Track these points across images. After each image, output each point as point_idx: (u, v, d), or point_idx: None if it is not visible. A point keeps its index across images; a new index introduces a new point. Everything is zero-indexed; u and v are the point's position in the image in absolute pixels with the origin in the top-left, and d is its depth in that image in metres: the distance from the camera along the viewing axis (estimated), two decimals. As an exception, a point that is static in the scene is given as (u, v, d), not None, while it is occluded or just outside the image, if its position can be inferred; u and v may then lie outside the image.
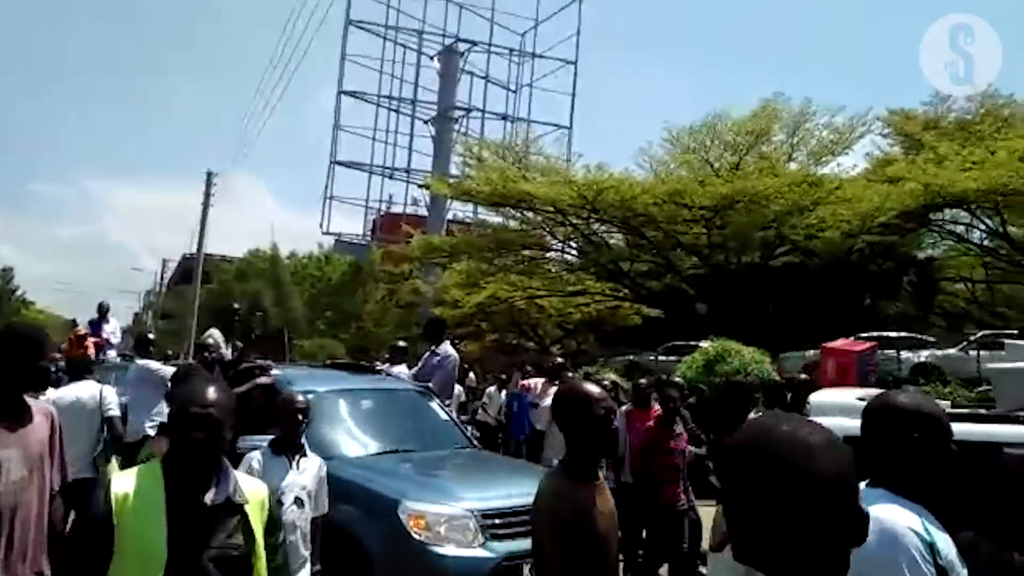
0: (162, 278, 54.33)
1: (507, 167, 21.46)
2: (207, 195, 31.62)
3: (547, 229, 22.95)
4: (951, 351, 16.99)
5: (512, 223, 24.07)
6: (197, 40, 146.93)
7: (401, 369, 8.04)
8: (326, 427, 5.67)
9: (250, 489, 2.28)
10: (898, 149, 21.66)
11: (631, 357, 21.47)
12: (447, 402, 7.47)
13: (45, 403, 3.05)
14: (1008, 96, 19.39)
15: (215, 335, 7.20)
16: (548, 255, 25.43)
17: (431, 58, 34.65)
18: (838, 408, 4.53)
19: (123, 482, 2.17)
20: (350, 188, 70.38)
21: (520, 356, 28.47)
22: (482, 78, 35.79)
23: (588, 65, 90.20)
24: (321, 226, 35.78)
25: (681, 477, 6.53)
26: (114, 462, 6.08)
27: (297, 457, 4.01)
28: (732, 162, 19.61)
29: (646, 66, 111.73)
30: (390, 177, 36.27)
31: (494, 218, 25.65)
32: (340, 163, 35.10)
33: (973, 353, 16.35)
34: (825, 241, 18.53)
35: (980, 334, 17.21)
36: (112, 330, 12.88)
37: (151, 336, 7.99)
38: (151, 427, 6.19)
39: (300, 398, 4.10)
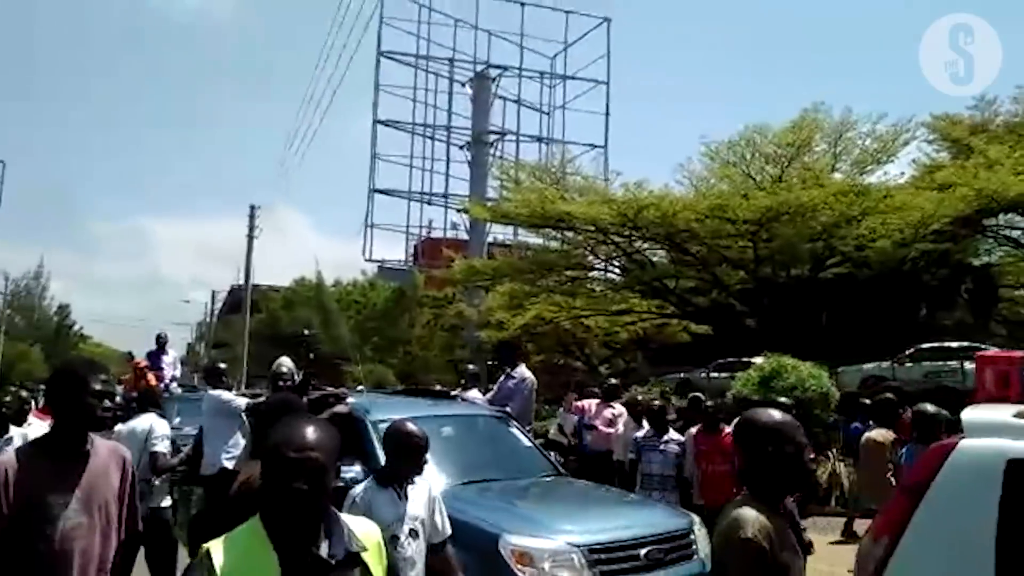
0: (212, 309, 55.50)
1: (545, 188, 21.38)
2: (251, 228, 32.30)
3: (589, 248, 22.78)
4: (1015, 361, 16.32)
5: (553, 243, 23.95)
6: (235, 77, 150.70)
7: (474, 394, 7.87)
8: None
9: (364, 533, 2.04)
10: (945, 155, 21.04)
11: (682, 375, 21.11)
12: (526, 427, 7.20)
13: (118, 444, 2.86)
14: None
15: (286, 363, 7.00)
16: (591, 274, 25.21)
17: (463, 84, 34.97)
18: (995, 428, 4.07)
19: (225, 551, 1.86)
20: (390, 215, 71.17)
21: (567, 376, 28.31)
22: (514, 102, 36.00)
23: (620, 84, 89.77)
24: (364, 253, 36.19)
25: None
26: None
27: (404, 487, 3.70)
28: (774, 174, 19.21)
29: (679, 82, 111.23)
30: (428, 203, 36.56)
31: (535, 239, 25.59)
32: (379, 191, 35.50)
33: (1038, 363, 15.69)
34: (877, 251, 18.01)
35: (1046, 342, 16.51)
36: (171, 361, 12.90)
37: (222, 366, 7.84)
38: (228, 459, 6.10)
39: (420, 432, 3.77)
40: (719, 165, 20.68)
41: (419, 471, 3.70)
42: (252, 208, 33.08)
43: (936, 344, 17.48)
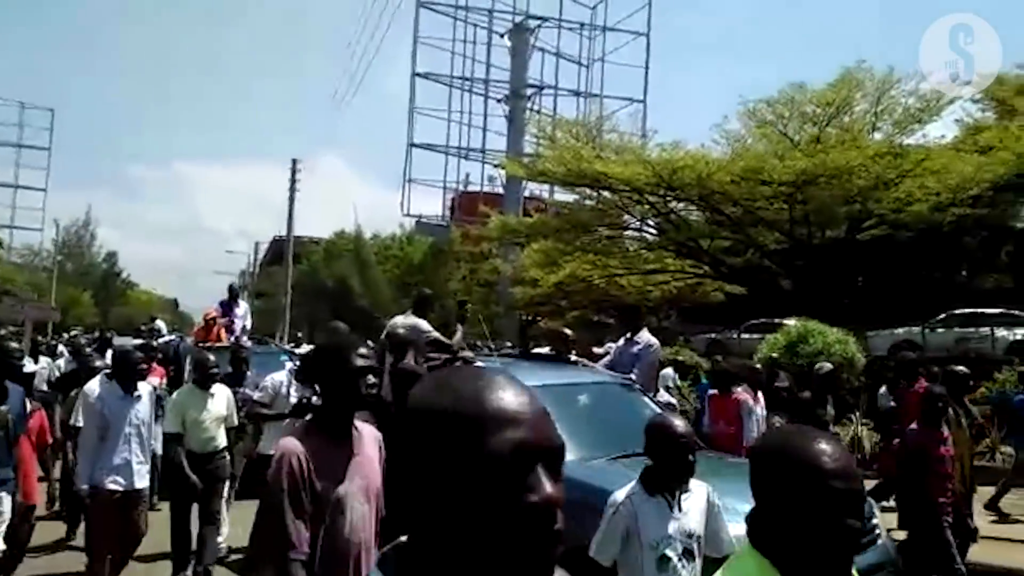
0: (255, 259, 56.57)
1: (581, 146, 21.38)
2: (292, 181, 32.84)
3: (623, 208, 22.82)
4: (1049, 327, 16.21)
5: (588, 202, 24.02)
6: (278, 29, 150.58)
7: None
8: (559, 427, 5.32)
9: None
10: (991, 115, 20.55)
11: (713, 335, 21.26)
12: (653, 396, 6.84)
13: (372, 427, 2.63)
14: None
15: (422, 325, 6.34)
16: (626, 233, 25.28)
17: (501, 36, 34.63)
18: None
19: None
20: (428, 169, 71.56)
21: (602, 334, 28.59)
22: (553, 54, 35.61)
23: (662, 38, 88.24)
24: (401, 207, 36.53)
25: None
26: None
27: (677, 495, 3.02)
28: (812, 135, 18.97)
29: (721, 36, 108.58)
30: (465, 158, 36.63)
31: (570, 197, 25.66)
32: (417, 145, 35.59)
33: (1075, 330, 15.59)
34: (913, 215, 17.81)
35: (1083, 310, 16.34)
36: (242, 313, 12.28)
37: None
38: None
39: (685, 429, 3.08)
40: (756, 124, 20.45)
41: (691, 474, 3.06)
42: (294, 162, 33.60)
43: (969, 310, 17.40)
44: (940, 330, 17.33)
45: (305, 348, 18.86)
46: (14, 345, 4.88)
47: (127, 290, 63.70)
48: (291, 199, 33.59)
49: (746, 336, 19.06)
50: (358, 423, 2.51)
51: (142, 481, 5.40)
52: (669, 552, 2.90)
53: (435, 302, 38.54)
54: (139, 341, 12.63)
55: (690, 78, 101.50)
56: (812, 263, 20.30)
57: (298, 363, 6.60)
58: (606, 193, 22.14)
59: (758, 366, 8.33)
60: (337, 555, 2.32)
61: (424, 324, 6.48)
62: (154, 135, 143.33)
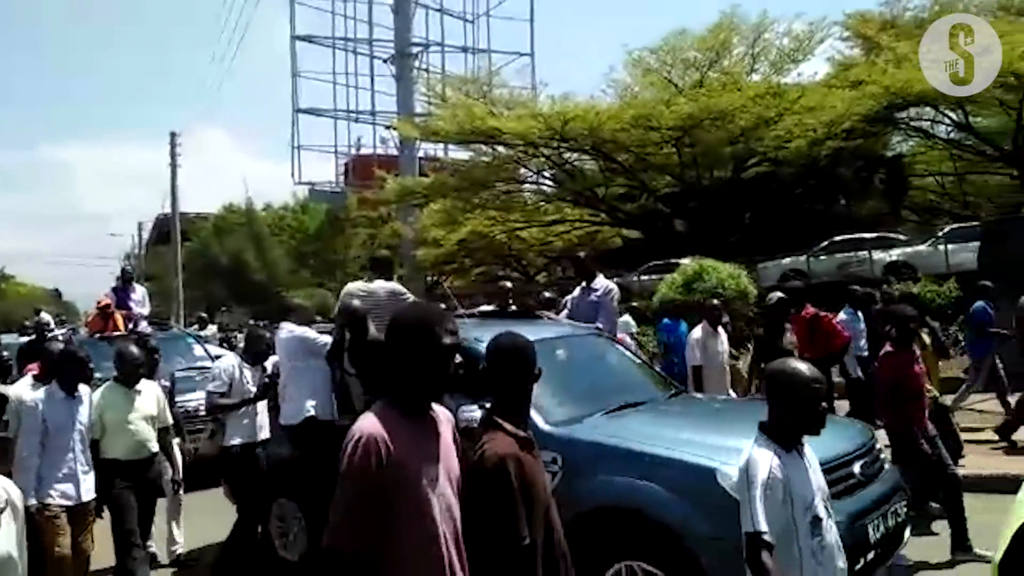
0: (140, 240, 54.04)
1: (472, 103, 21.37)
2: (173, 156, 31.46)
3: (519, 161, 23.01)
4: (921, 247, 17.47)
5: (484, 159, 24.08)
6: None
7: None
8: (543, 386, 4.68)
9: None
10: (858, 52, 21.68)
11: (614, 280, 21.86)
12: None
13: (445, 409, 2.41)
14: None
15: (394, 287, 5.95)
16: (523, 187, 25.54)
17: (382, -6, 33.85)
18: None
19: None
20: (318, 135, 69.46)
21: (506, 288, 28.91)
22: (437, 10, 35.06)
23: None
24: (292, 176, 35.55)
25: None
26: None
27: (803, 448, 2.73)
28: (696, 80, 19.60)
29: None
30: (355, 120, 35.82)
31: (465, 154, 25.63)
32: (303, 111, 34.57)
33: (942, 248, 16.85)
34: (792, 151, 18.75)
35: (948, 228, 17.65)
36: (139, 298, 11.44)
37: (300, 302, 6.76)
38: (314, 407, 5.49)
39: (812, 370, 2.68)
40: (642, 73, 20.94)
41: (824, 424, 2.69)
42: (173, 135, 32.07)
43: (849, 236, 18.52)
44: (823, 257, 18.42)
45: (211, 329, 18.12)
46: None
47: (3, 283, 59.89)
48: (173, 175, 32.18)
49: (645, 278, 19.69)
50: (435, 406, 2.29)
51: (89, 493, 4.92)
52: (820, 512, 2.60)
53: (336, 270, 38.06)
54: (26, 338, 11.87)
55: (576, 30, 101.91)
56: (702, 204, 21.09)
57: (243, 342, 6.33)
58: (501, 148, 22.27)
59: (715, 303, 8.37)
60: (423, 548, 2.10)
61: (397, 286, 6.01)
62: (17, 117, 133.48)
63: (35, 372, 5.55)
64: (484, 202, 23.38)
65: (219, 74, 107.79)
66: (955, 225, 18.06)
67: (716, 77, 19.35)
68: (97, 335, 10.08)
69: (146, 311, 11.55)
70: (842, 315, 8.80)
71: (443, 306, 7.83)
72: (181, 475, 6.03)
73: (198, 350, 10.85)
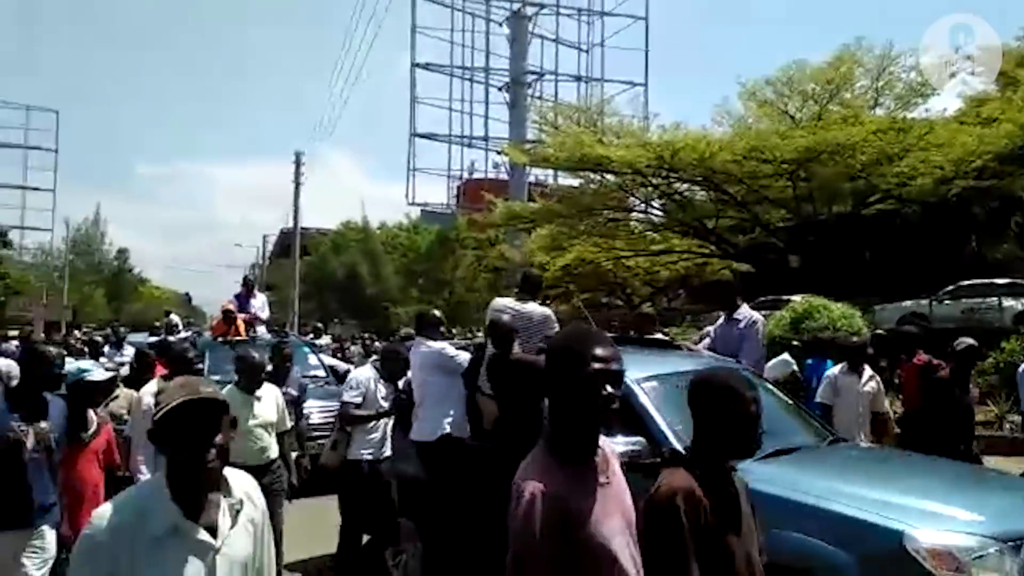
0: (263, 252, 56.82)
1: (582, 131, 21.42)
2: (297, 174, 33.01)
3: (627, 190, 22.88)
4: (1055, 297, 16.18)
5: (591, 186, 24.08)
6: (275, 24, 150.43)
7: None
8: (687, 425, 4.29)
9: None
10: (993, 87, 20.45)
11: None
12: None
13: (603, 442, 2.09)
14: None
15: (544, 311, 5.62)
16: (630, 215, 25.35)
17: (500, 24, 34.56)
18: None
19: None
20: (432, 158, 71.41)
21: (611, 315, 28.71)
22: (552, 40, 35.49)
23: (659, 20, 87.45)
24: (406, 197, 36.56)
25: None
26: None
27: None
28: (814, 112, 18.96)
29: (719, 18, 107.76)
30: (469, 145, 36.62)
31: (574, 181, 25.70)
32: (419, 135, 35.58)
33: (1080, 298, 15.55)
34: (917, 189, 17.80)
35: (1088, 278, 16.30)
36: (260, 304, 11.67)
37: (438, 314, 6.61)
38: (450, 424, 5.34)
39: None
40: (757, 104, 20.46)
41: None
42: (297, 155, 33.75)
43: (977, 281, 17.37)
44: (948, 302, 17.31)
45: (325, 339, 18.43)
46: (53, 350, 4.08)
47: (139, 286, 64.10)
48: (296, 191, 33.78)
49: (642, 310, 19.06)
50: (602, 440, 1.99)
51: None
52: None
53: (443, 288, 38.88)
54: (154, 338, 12.26)
55: (692, 62, 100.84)
56: (819, 239, 20.31)
57: (379, 358, 6.03)
58: (609, 176, 22.21)
59: (855, 339, 7.73)
60: None
61: (550, 312, 5.77)
62: (158, 134, 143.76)
63: (164, 373, 5.51)
64: (590, 229, 23.34)
65: (343, 100, 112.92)
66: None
67: (836, 110, 18.66)
68: (220, 338, 10.28)
69: (265, 316, 11.80)
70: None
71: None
72: (297, 482, 5.85)
73: (312, 359, 10.89)
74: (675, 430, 4.17)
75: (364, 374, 5.79)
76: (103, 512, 1.86)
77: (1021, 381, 7.78)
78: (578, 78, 35.35)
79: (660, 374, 4.72)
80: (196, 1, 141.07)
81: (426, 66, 35.15)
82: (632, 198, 23.72)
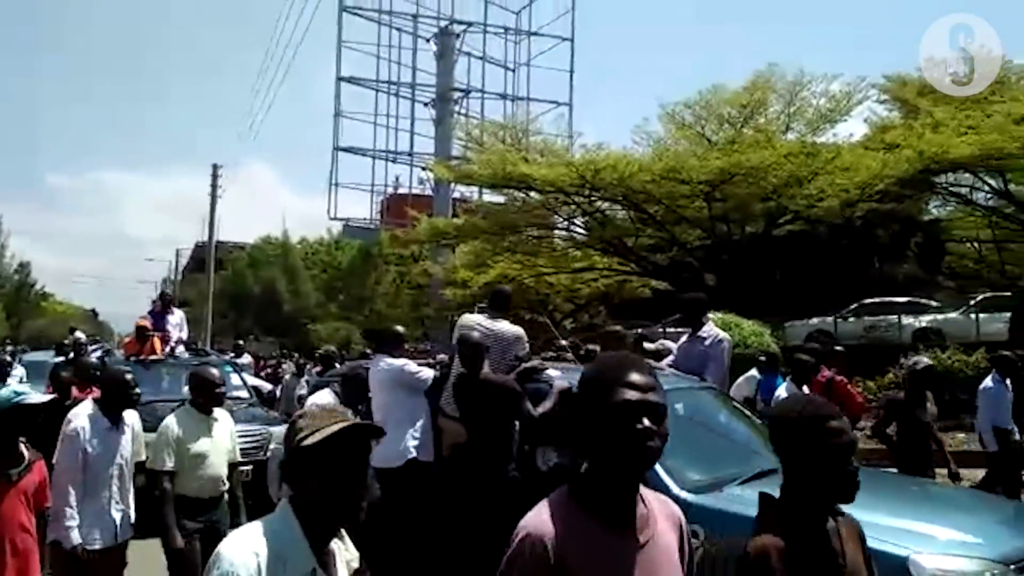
0: (176, 266, 55.06)
1: (507, 150, 21.60)
2: (214, 187, 32.18)
3: (550, 208, 23.15)
4: (952, 315, 17.12)
5: (516, 203, 24.26)
6: (197, 31, 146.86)
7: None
8: (670, 447, 3.37)
9: None
10: (896, 115, 21.60)
11: (639, 331, 21.70)
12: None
13: (667, 499, 1.84)
14: (1003, 59, 19.27)
15: (516, 331, 5.41)
16: (554, 232, 25.64)
17: (427, 40, 34.62)
18: None
19: None
20: (356, 173, 70.70)
21: (534, 332, 28.88)
22: (479, 58, 35.68)
23: (584, 42, 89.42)
24: (328, 212, 36.05)
25: None
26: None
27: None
28: (729, 135, 19.64)
29: (641, 41, 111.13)
30: (393, 161, 36.37)
31: (498, 198, 25.85)
32: (343, 149, 35.15)
33: (974, 317, 16.49)
34: (825, 210, 18.61)
35: (980, 297, 17.30)
36: (177, 322, 11.16)
37: (400, 329, 6.19)
38: (416, 447, 5.07)
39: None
40: (676, 126, 21.05)
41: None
42: (215, 167, 32.87)
43: (879, 299, 18.22)
44: (851, 319, 18.11)
45: (247, 358, 17.67)
46: None
47: (41, 302, 61.15)
48: (212, 204, 32.87)
49: (671, 330, 19.50)
50: (647, 492, 1.67)
51: (125, 534, 4.42)
52: None
53: (364, 305, 38.32)
54: (60, 357, 11.52)
55: (615, 82, 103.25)
56: (732, 258, 20.96)
57: (341, 383, 5.51)
58: (533, 194, 22.42)
59: (803, 357, 7.29)
60: None
61: (522, 332, 5.55)
62: (71, 144, 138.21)
63: (96, 396, 4.98)
64: (513, 246, 23.49)
65: (264, 110, 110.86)
66: (988, 294, 17.71)
67: (750, 134, 19.36)
68: (132, 357, 9.79)
69: (183, 335, 11.33)
70: (988, 382, 7.96)
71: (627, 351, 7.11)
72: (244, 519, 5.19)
73: (236, 379, 10.31)
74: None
75: (322, 399, 5.28)
76: (242, 549, 1.62)
77: (982, 396, 8.07)
78: (504, 96, 35.60)
79: None
80: (117, 5, 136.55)
81: (351, 80, 34.85)
82: (555, 216, 24.00)
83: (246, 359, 16.84)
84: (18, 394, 3.63)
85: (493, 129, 24.92)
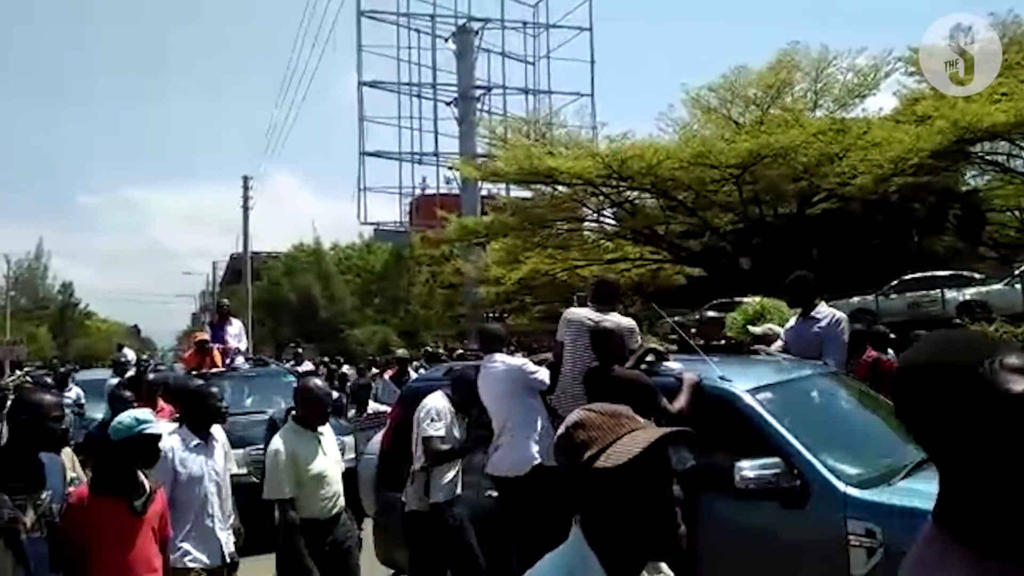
0: (214, 279, 55.96)
1: (531, 145, 21.57)
2: (245, 199, 32.61)
3: (579, 200, 23.08)
4: (997, 286, 16.72)
5: (543, 198, 24.23)
6: (215, 44, 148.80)
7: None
8: (818, 437, 3.88)
9: None
10: (926, 86, 21.13)
11: (675, 319, 21.52)
12: None
13: None
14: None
15: (629, 323, 4.94)
16: (584, 225, 25.57)
17: (446, 40, 34.67)
18: None
19: None
20: (383, 176, 71.21)
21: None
22: (499, 54, 35.70)
23: (603, 31, 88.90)
24: (358, 217, 36.34)
25: None
26: None
27: None
28: (756, 116, 19.40)
29: (661, 27, 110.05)
30: (419, 162, 36.53)
31: (525, 194, 25.84)
32: (369, 154, 35.38)
33: (1019, 287, 16.09)
34: (858, 187, 18.29)
35: (1024, 267, 16.89)
36: (236, 332, 10.80)
37: (499, 328, 5.70)
38: (540, 452, 4.61)
39: None
40: (701, 111, 20.86)
41: None
42: (245, 179, 33.33)
43: (920, 274, 17.87)
44: (893, 296, 17.78)
45: (307, 365, 16.91)
46: (48, 398, 3.29)
47: (85, 320, 62.52)
48: (245, 216, 33.34)
49: (708, 316, 19.32)
50: None
51: (233, 553, 4.22)
52: None
53: (399, 307, 38.54)
54: (117, 377, 10.89)
55: (637, 69, 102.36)
56: (767, 240, 20.71)
57: (451, 385, 5.09)
58: (560, 187, 22.37)
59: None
60: None
61: (630, 322, 5.06)
62: (101, 163, 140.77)
63: (176, 414, 4.83)
64: (544, 240, 23.47)
65: (289, 120, 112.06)
66: (1031, 262, 17.28)
67: (777, 114, 19.10)
68: (194, 371, 9.51)
69: (243, 346, 11.00)
70: None
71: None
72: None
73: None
74: (808, 446, 3.72)
75: (441, 403, 4.91)
76: None
77: None
78: (526, 91, 35.59)
79: (772, 383, 4.30)
80: (134, 25, 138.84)
81: (373, 84, 35.06)
82: (584, 208, 23.93)
83: (307, 366, 16.06)
84: (140, 422, 3.44)
85: (516, 125, 24.92)
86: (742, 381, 4.17)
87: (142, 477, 3.43)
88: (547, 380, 4.89)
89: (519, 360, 5.11)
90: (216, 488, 4.16)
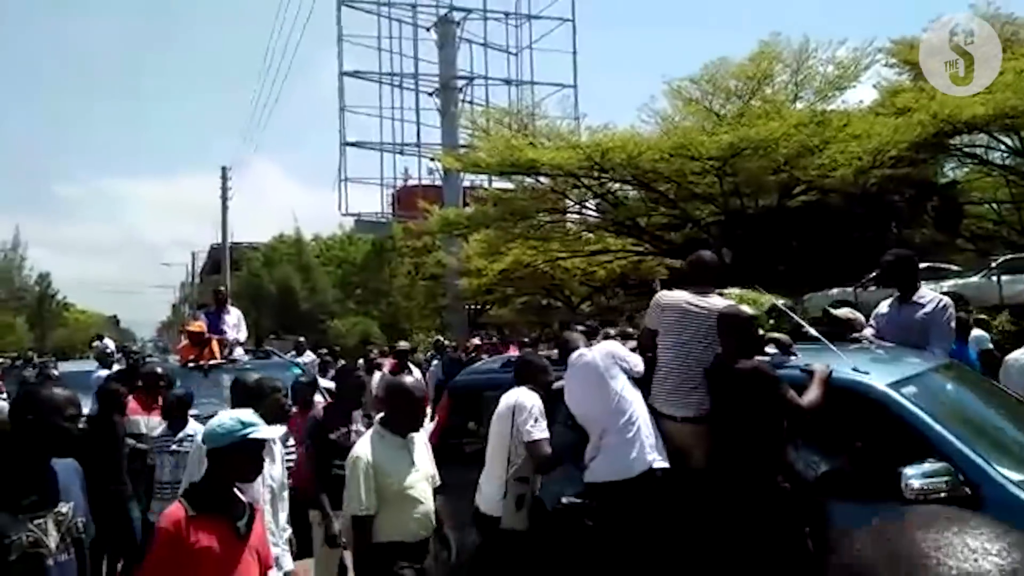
0: (193, 270, 55.52)
1: (512, 136, 21.48)
2: (224, 189, 32.36)
3: (560, 192, 23.05)
4: (974, 278, 16.83)
5: (525, 189, 24.18)
6: (194, 33, 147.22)
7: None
8: (966, 435, 3.55)
9: None
10: (906, 78, 21.26)
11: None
12: None
13: None
14: (1010, 15, 18.85)
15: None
16: (565, 216, 25.55)
17: (427, 30, 34.44)
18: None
19: None
20: (365, 166, 70.83)
21: (550, 317, 28.88)
22: (481, 44, 35.48)
23: (586, 22, 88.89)
24: (339, 208, 36.11)
25: None
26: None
27: None
28: (738, 108, 19.44)
29: (643, 18, 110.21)
30: (401, 153, 36.31)
31: (508, 185, 25.78)
32: (350, 144, 35.09)
33: (996, 279, 16.19)
34: (838, 179, 18.40)
35: (1001, 259, 16.99)
36: (235, 321, 9.96)
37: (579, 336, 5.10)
38: (649, 452, 4.01)
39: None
40: (683, 102, 20.87)
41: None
42: (224, 169, 33.03)
43: (899, 266, 17.97)
44: (872, 288, 17.87)
45: (308, 357, 15.14)
46: (60, 393, 2.61)
47: (63, 311, 61.82)
48: (224, 208, 33.07)
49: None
50: None
51: (288, 566, 3.79)
52: None
53: (381, 298, 38.40)
54: (104, 370, 9.69)
55: (619, 61, 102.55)
56: (748, 233, 20.78)
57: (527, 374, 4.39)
58: (542, 179, 22.31)
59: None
60: None
61: (734, 305, 4.51)
62: (79, 153, 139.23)
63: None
64: (525, 232, 23.42)
65: (268, 109, 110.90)
66: (1009, 255, 17.39)
67: (758, 106, 19.15)
68: (191, 364, 8.81)
69: (243, 336, 10.18)
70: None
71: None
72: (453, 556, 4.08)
73: (324, 382, 8.92)
74: (973, 448, 3.37)
75: (536, 400, 4.17)
76: None
77: (1011, 372, 7.48)
78: (508, 81, 35.40)
79: (912, 376, 3.91)
80: (110, 16, 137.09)
81: (354, 74, 34.76)
82: (566, 200, 23.90)
83: (308, 357, 14.78)
84: (245, 425, 2.88)
85: (498, 116, 24.80)
86: (879, 374, 3.77)
87: (238, 493, 2.93)
88: (642, 368, 4.27)
89: (610, 346, 4.37)
90: (270, 495, 3.69)
